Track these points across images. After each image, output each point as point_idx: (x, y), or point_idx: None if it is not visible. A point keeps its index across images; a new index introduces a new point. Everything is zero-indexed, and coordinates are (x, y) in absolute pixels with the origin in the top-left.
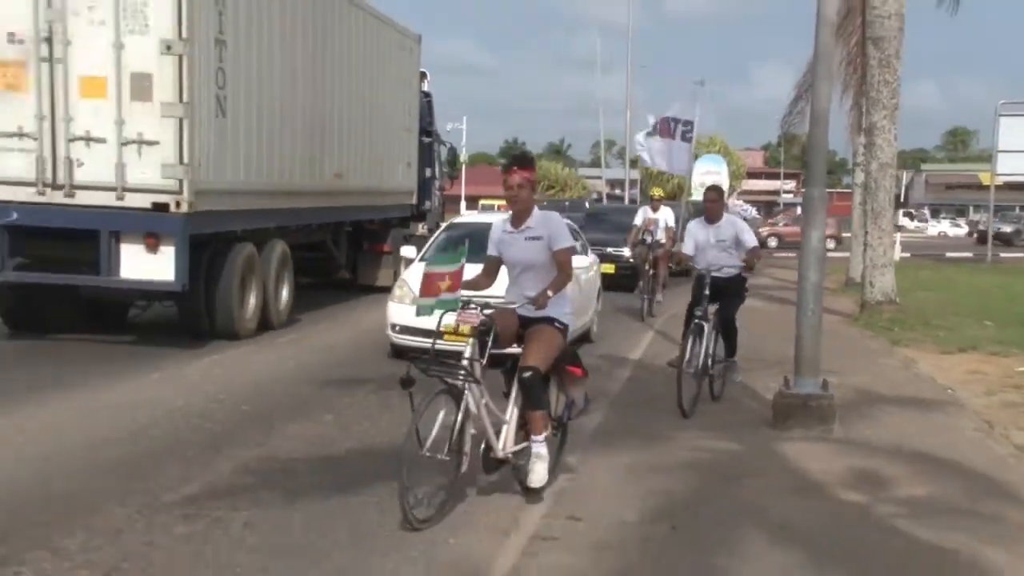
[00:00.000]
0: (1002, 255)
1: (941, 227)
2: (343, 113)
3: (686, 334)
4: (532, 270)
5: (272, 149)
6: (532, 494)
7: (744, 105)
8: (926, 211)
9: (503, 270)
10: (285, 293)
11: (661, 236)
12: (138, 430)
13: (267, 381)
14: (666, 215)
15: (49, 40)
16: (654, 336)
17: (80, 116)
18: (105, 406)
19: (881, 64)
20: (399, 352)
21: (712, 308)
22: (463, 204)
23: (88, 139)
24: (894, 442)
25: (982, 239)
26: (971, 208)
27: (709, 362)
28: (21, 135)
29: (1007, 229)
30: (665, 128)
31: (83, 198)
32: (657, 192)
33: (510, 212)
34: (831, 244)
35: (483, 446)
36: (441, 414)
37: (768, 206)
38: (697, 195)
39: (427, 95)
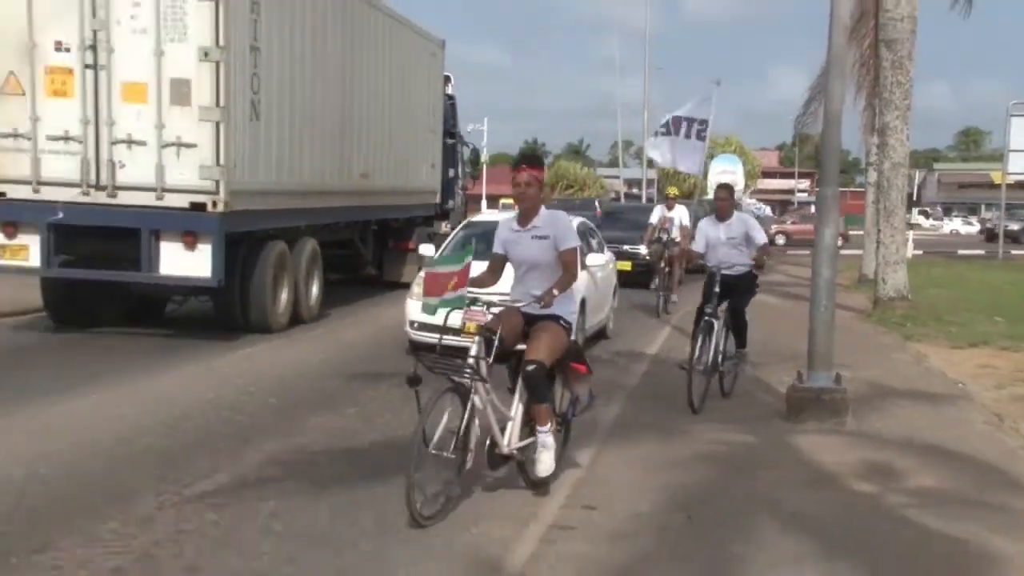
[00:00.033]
0: (1012, 252)
1: (953, 225)
2: (370, 116)
3: (696, 332)
4: (538, 269)
5: (303, 151)
6: (539, 488)
7: (759, 106)
8: (939, 209)
9: (508, 268)
10: (315, 289)
11: (676, 234)
12: (170, 422)
13: (294, 375)
14: (681, 213)
15: (94, 48)
16: (670, 332)
17: (122, 120)
18: (140, 398)
19: (894, 66)
20: (416, 348)
21: (723, 306)
22: (484, 203)
23: (130, 142)
24: (905, 435)
25: (990, 236)
26: (983, 206)
27: (719, 359)
28: (67, 138)
29: (1015, 227)
30: (677, 126)
31: (125, 198)
32: (672, 191)
33: (516, 210)
34: (839, 242)
35: (488, 442)
36: (447, 412)
37: (783, 205)
38: (712, 194)
39: (451, 98)
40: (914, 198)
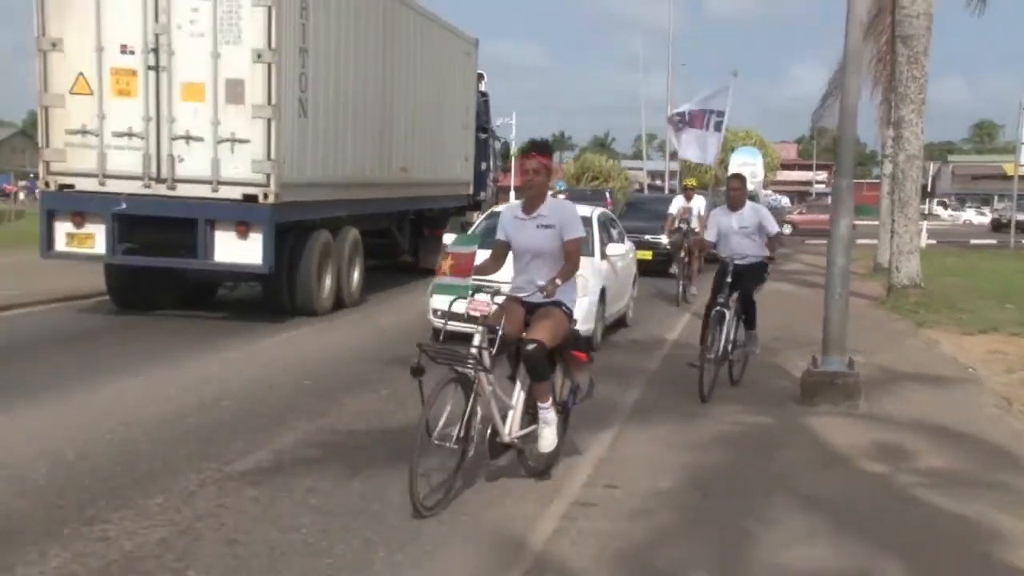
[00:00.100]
0: (1019, 242)
1: (967, 215)
2: (408, 112)
3: (707, 323)
4: (541, 257)
5: (346, 146)
6: (539, 475)
7: (779, 101)
8: (955, 200)
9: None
10: (356, 275)
11: (696, 224)
12: (212, 402)
13: (332, 358)
14: (699, 203)
15: (156, 51)
16: (690, 319)
17: (181, 118)
18: (186, 379)
19: (909, 61)
20: (438, 334)
21: (734, 296)
22: (512, 194)
23: (188, 138)
24: (916, 417)
25: (996, 226)
26: (995, 197)
27: (729, 348)
28: (131, 135)
29: (1021, 217)
30: (699, 119)
31: (183, 190)
32: (690, 182)
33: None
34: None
35: (489, 431)
36: (450, 402)
37: (801, 196)
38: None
39: (484, 95)
40: (928, 189)
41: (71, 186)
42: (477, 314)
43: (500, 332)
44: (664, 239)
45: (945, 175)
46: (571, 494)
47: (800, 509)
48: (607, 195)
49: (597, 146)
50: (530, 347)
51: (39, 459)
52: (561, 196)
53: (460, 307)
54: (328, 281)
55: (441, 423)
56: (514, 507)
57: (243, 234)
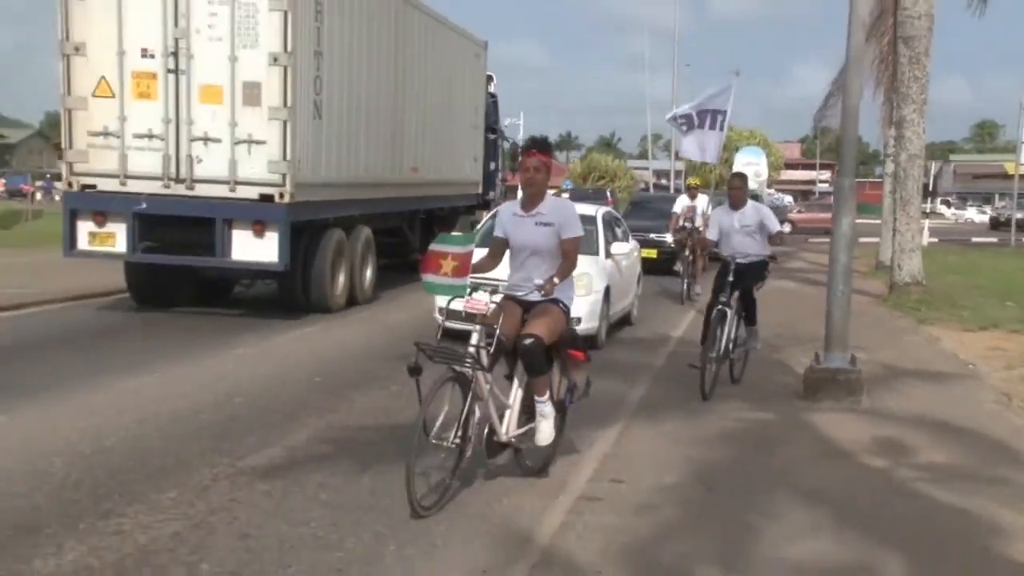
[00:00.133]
0: (1020, 241)
1: (969, 214)
2: (419, 113)
3: (708, 322)
4: (539, 255)
5: (359, 147)
6: (537, 473)
7: (783, 101)
8: (959, 199)
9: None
10: (369, 273)
11: (700, 223)
12: (225, 399)
13: (343, 355)
14: (702, 202)
15: (175, 54)
16: (694, 316)
17: (200, 119)
18: (200, 375)
19: (911, 61)
20: (446, 334)
21: (735, 295)
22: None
23: (206, 139)
24: (917, 413)
25: (995, 224)
26: (996, 196)
27: (730, 346)
28: (151, 136)
29: (1019, 215)
30: (703, 119)
31: (201, 190)
32: (693, 181)
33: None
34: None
35: (486, 430)
36: (448, 401)
37: (804, 195)
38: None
39: (493, 96)
40: (930, 188)
41: (93, 186)
42: (475, 313)
43: (497, 332)
44: (669, 238)
45: (947, 174)
46: (577, 489)
47: (803, 503)
48: (608, 194)
49: (603, 146)
50: (527, 341)
51: (56, 454)
52: (565, 195)
53: (458, 305)
54: (341, 279)
55: (439, 422)
56: (521, 501)
57: (259, 233)
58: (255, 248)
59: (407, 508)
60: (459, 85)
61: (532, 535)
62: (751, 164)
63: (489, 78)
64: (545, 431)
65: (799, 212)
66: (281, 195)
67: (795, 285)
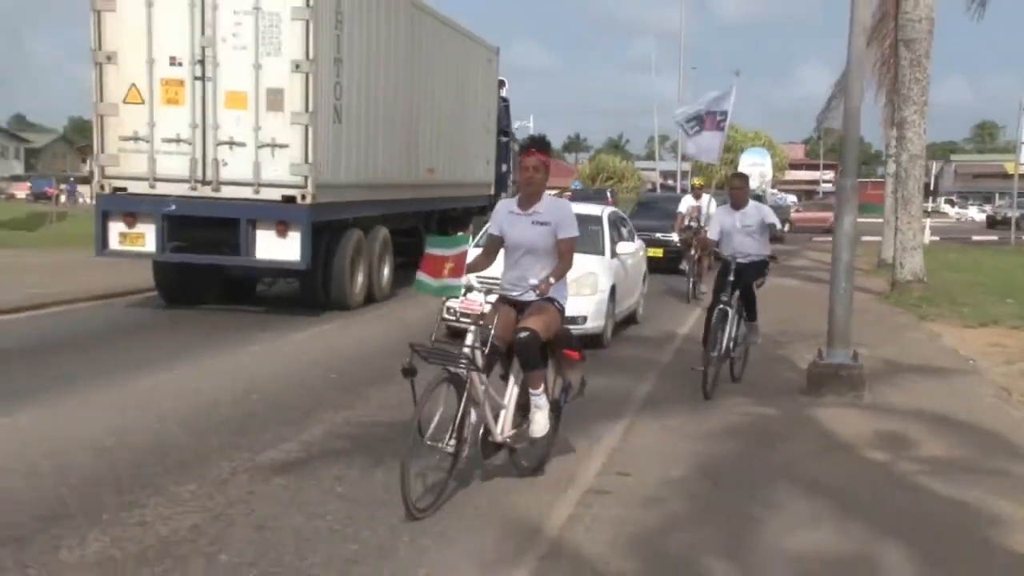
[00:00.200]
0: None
1: (970, 213)
2: (434, 117)
3: (710, 322)
4: (534, 254)
5: (377, 150)
6: (532, 472)
7: (787, 102)
8: (961, 199)
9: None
10: (386, 271)
11: (705, 222)
12: (244, 395)
13: (359, 352)
14: (707, 202)
15: (202, 62)
16: (700, 314)
17: (225, 124)
18: (219, 371)
19: (912, 64)
20: (453, 333)
21: (736, 294)
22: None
23: (231, 143)
24: (918, 407)
25: (991, 223)
26: (996, 195)
27: (731, 345)
28: (179, 141)
29: (1013, 214)
30: (711, 122)
31: (227, 192)
32: (697, 181)
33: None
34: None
35: (481, 430)
36: (443, 402)
37: (808, 195)
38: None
39: (504, 100)
40: (931, 188)
41: (124, 189)
42: (469, 313)
43: (492, 332)
44: (675, 237)
45: (948, 174)
46: (585, 482)
47: (806, 496)
48: (608, 194)
49: (611, 147)
50: (523, 335)
51: (80, 449)
52: (567, 195)
53: (453, 306)
54: (360, 277)
55: (434, 424)
56: (530, 495)
57: (282, 233)
58: (278, 247)
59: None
60: (472, 90)
61: (541, 527)
62: (756, 165)
63: (501, 82)
64: (540, 422)
65: (797, 211)
66: (303, 196)
67: (798, 283)
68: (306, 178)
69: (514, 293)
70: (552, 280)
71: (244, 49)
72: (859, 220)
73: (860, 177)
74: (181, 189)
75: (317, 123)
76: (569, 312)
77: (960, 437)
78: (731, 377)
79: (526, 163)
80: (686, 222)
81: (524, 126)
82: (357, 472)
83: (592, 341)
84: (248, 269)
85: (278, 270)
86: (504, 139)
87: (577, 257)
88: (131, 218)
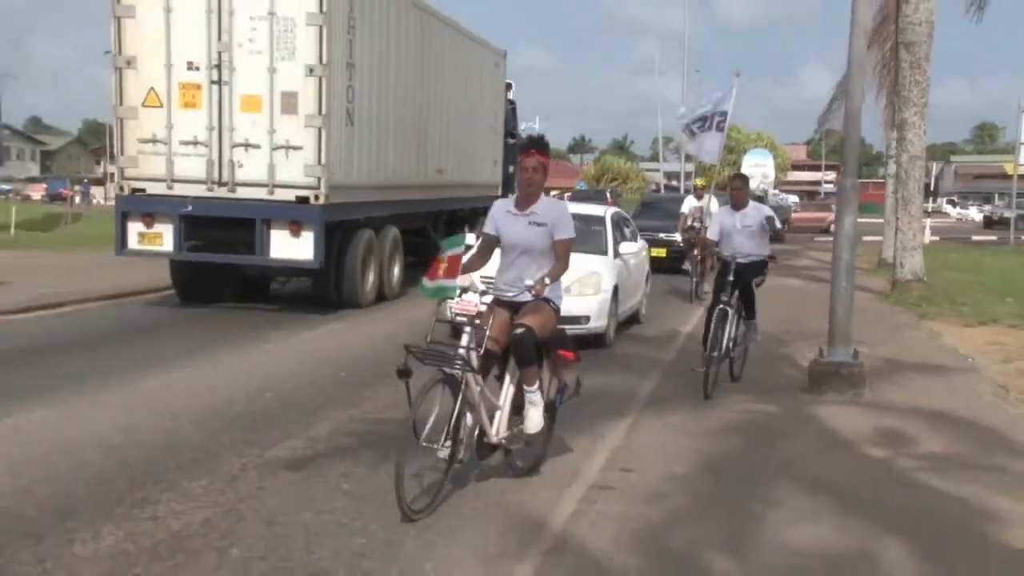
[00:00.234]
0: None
1: (971, 213)
2: (443, 120)
3: (710, 322)
4: (529, 255)
5: (387, 151)
6: (527, 473)
7: (789, 104)
8: (962, 199)
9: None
10: (396, 270)
11: (708, 222)
12: (254, 392)
13: (370, 350)
14: (710, 202)
15: (219, 67)
16: (703, 313)
17: (240, 127)
18: (231, 369)
19: (912, 66)
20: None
21: (735, 294)
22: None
23: (247, 145)
24: (918, 405)
25: (988, 223)
26: (996, 196)
27: (731, 345)
28: (196, 143)
29: (1011, 214)
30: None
31: (242, 193)
32: (699, 182)
33: (516, 194)
34: (834, 228)
35: (476, 431)
36: (438, 404)
37: (811, 195)
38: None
39: (511, 103)
40: (931, 188)
41: (142, 190)
42: (464, 314)
43: (486, 339)
44: (678, 237)
45: (948, 174)
46: (589, 478)
47: (806, 492)
48: (607, 195)
49: (616, 148)
50: (519, 331)
51: (94, 445)
52: (567, 196)
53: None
54: (371, 276)
55: (429, 425)
56: (535, 490)
57: (296, 233)
58: (292, 247)
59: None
60: (480, 93)
61: (546, 522)
62: (759, 166)
63: (508, 85)
64: (534, 418)
65: (795, 212)
66: (316, 197)
67: (800, 282)
68: (319, 179)
69: (509, 294)
70: (548, 281)
71: (259, 54)
72: (860, 220)
73: (861, 178)
74: (198, 190)
75: (330, 126)
76: (572, 312)
77: (958, 434)
78: (730, 377)
79: (525, 163)
80: (689, 222)
81: (530, 127)
82: (364, 468)
83: (595, 340)
84: (262, 268)
85: (292, 269)
86: (511, 141)
87: (580, 257)
88: (149, 218)
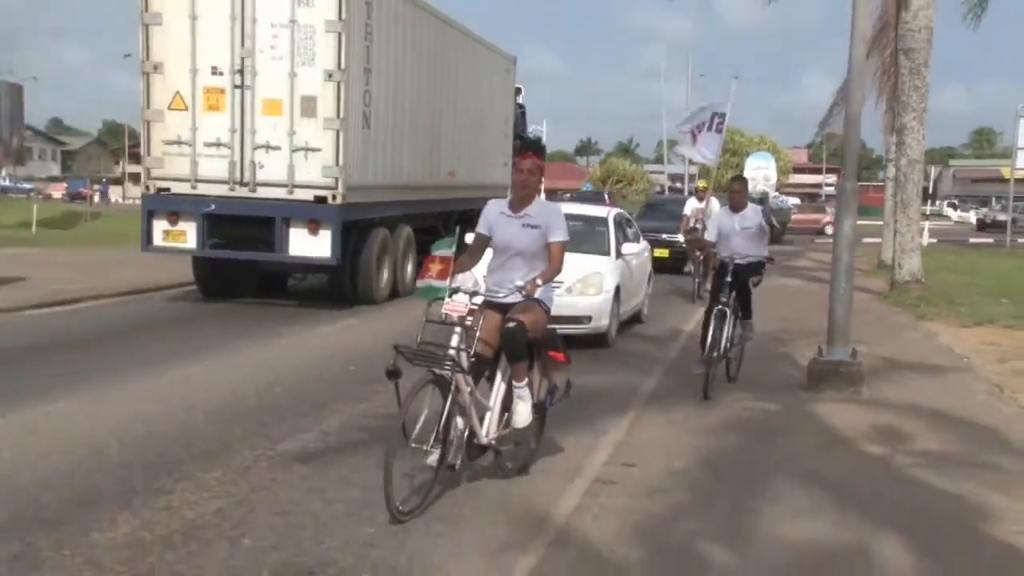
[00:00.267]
0: (1019, 241)
1: (969, 216)
2: (455, 123)
3: (707, 324)
4: (522, 257)
5: (402, 153)
6: (515, 473)
7: (792, 108)
8: (963, 202)
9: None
10: (409, 268)
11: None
12: (266, 387)
13: (382, 346)
14: (713, 204)
15: (241, 72)
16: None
17: (262, 130)
18: (245, 364)
19: (911, 72)
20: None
21: (733, 295)
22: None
23: (267, 147)
24: (914, 403)
25: (981, 226)
26: (993, 199)
27: (728, 345)
28: (219, 145)
29: (1003, 217)
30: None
31: (263, 192)
32: (701, 184)
33: (510, 195)
34: (830, 230)
35: (466, 432)
36: (428, 404)
37: (812, 197)
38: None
39: (521, 106)
40: (930, 192)
41: (167, 190)
42: (455, 315)
43: (477, 336)
44: (680, 238)
45: (946, 178)
46: (592, 473)
47: (805, 488)
48: (606, 196)
49: (622, 151)
50: (511, 325)
51: (111, 437)
52: (566, 196)
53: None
54: (385, 273)
55: (419, 426)
56: (538, 484)
57: (314, 231)
58: (310, 244)
59: (433, 491)
60: (491, 97)
61: (549, 515)
62: (761, 168)
63: (518, 90)
64: (522, 413)
65: (794, 214)
66: (334, 197)
67: (801, 282)
68: (337, 180)
69: (500, 295)
70: (540, 283)
71: (280, 59)
72: (860, 222)
73: (861, 181)
74: (220, 190)
75: (348, 128)
76: (575, 311)
77: (954, 432)
78: (727, 377)
79: (521, 165)
80: (692, 224)
81: (537, 130)
82: (373, 461)
83: (597, 340)
84: (281, 265)
85: (309, 266)
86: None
87: (583, 257)
88: (174, 216)
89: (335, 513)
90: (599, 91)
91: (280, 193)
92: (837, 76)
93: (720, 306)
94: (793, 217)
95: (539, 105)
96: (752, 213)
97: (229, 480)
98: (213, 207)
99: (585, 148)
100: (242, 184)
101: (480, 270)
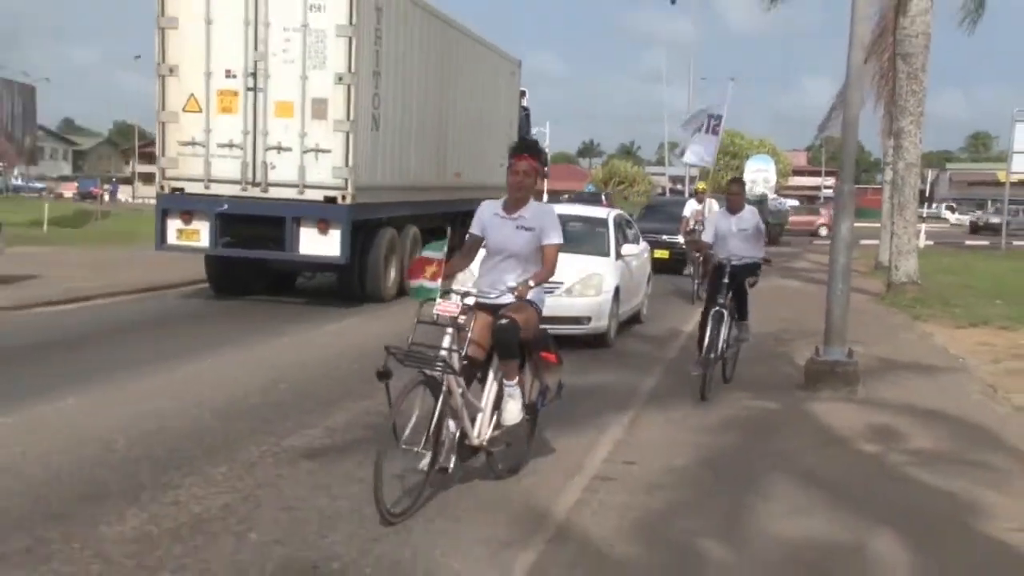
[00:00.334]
0: (1015, 243)
1: (967, 219)
2: (462, 125)
3: (705, 324)
4: (515, 258)
5: (410, 155)
6: (507, 474)
7: (791, 111)
8: (954, 204)
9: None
10: None
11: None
12: (271, 384)
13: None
14: (711, 206)
15: (254, 75)
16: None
17: (274, 131)
18: (251, 361)
19: (909, 77)
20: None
21: (730, 295)
22: (545, 196)
23: (279, 148)
24: (909, 402)
25: (974, 228)
26: (989, 202)
27: (725, 346)
28: (232, 146)
29: (996, 220)
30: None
31: (274, 193)
32: (701, 186)
33: (505, 196)
34: (824, 232)
35: (458, 434)
36: (419, 406)
37: (811, 200)
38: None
39: (525, 109)
40: (927, 195)
41: (181, 189)
42: (447, 316)
43: (469, 337)
44: (680, 239)
45: (943, 181)
46: (592, 469)
47: (800, 485)
48: (603, 197)
49: (624, 153)
50: (503, 321)
51: (120, 432)
52: (565, 197)
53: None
54: (393, 272)
55: (410, 427)
56: (539, 480)
57: (323, 230)
58: (320, 244)
59: (434, 488)
60: (496, 100)
61: (549, 511)
62: (761, 171)
63: (522, 93)
64: (512, 411)
65: (791, 216)
66: (343, 197)
67: (799, 284)
68: (346, 180)
69: (491, 295)
70: (532, 284)
71: (292, 63)
72: (858, 225)
73: (860, 184)
74: (233, 190)
75: (357, 130)
76: (575, 312)
77: (948, 431)
78: (723, 378)
79: (517, 167)
80: (691, 225)
81: (540, 132)
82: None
83: (596, 340)
84: (291, 263)
85: (319, 264)
86: None
87: (583, 258)
88: (188, 216)
89: (339, 508)
90: (601, 93)
91: (291, 193)
92: (837, 79)
93: (717, 307)
94: (792, 219)
95: (542, 106)
96: (749, 215)
97: (235, 475)
98: (226, 207)
99: (588, 150)
100: (254, 184)
101: (472, 271)
